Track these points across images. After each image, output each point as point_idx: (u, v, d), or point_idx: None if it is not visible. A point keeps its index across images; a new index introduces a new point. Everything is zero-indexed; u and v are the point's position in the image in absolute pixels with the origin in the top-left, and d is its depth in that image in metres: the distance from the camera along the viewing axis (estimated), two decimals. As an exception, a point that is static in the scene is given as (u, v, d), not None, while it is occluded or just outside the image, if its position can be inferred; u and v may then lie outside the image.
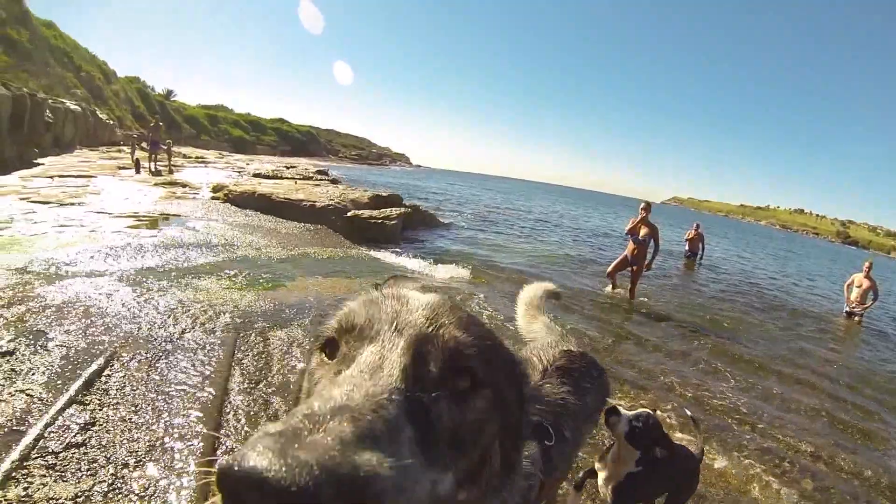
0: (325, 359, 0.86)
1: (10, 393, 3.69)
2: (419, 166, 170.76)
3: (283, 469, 0.46)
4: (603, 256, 15.33)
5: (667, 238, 22.79)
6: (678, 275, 16.73)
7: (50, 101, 24.54)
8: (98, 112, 35.98)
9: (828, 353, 9.54)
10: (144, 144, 25.05)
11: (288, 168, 31.98)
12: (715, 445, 4.76)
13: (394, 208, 15.81)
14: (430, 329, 0.82)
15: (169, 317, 5.61)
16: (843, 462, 5.09)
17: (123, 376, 4.18)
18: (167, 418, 3.71)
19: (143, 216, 11.37)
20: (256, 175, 24.02)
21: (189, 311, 5.88)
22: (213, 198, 16.22)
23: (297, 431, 0.52)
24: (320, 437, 0.52)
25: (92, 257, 7.44)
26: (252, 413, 3.95)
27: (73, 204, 11.64)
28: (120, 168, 21.11)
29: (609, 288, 11.14)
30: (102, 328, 5.03)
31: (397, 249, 12.54)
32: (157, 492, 2.98)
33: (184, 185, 18.38)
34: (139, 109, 54.95)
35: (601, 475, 2.98)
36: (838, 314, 13.95)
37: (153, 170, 21.58)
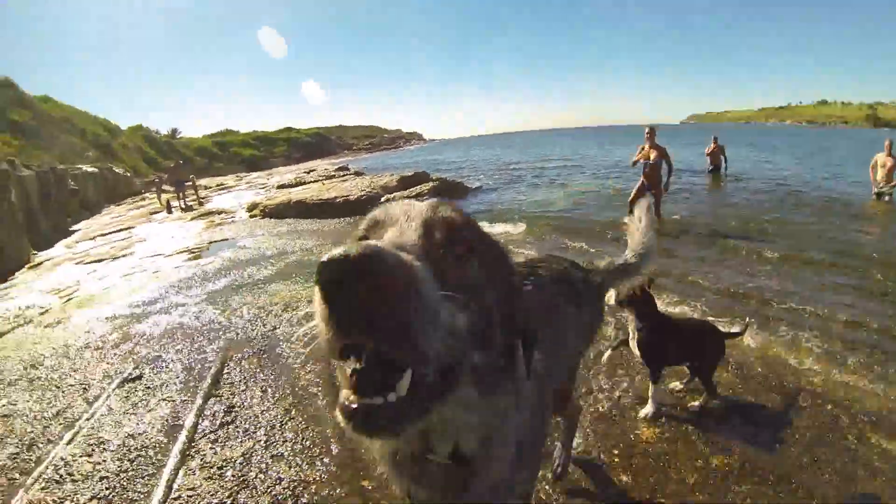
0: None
1: (154, 403, 4.49)
2: (433, 140, 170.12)
3: (354, 251, 0.76)
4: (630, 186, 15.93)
5: (688, 157, 23.08)
6: (704, 190, 17.17)
7: (68, 169, 25.78)
8: (113, 167, 37.27)
9: (858, 236, 9.77)
10: (165, 186, 26.21)
11: (308, 173, 32.85)
12: (755, 327, 5.21)
13: (423, 185, 16.88)
14: (434, 214, 1.10)
15: (256, 320, 6.42)
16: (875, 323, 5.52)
17: (240, 370, 5.01)
18: (289, 389, 4.49)
19: (194, 248, 12.28)
20: (281, 187, 25.02)
21: (271, 312, 6.68)
22: (251, 216, 17.18)
23: (353, 243, 0.81)
24: (373, 244, 0.80)
25: (167, 293, 8.30)
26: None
27: (125, 255, 12.61)
28: (151, 214, 22.27)
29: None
30: (205, 342, 5.85)
31: None
32: (304, 438, 3.74)
33: (219, 212, 19.36)
34: (150, 154, 56.58)
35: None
36: (867, 198, 13.89)
37: (184, 207, 22.68)
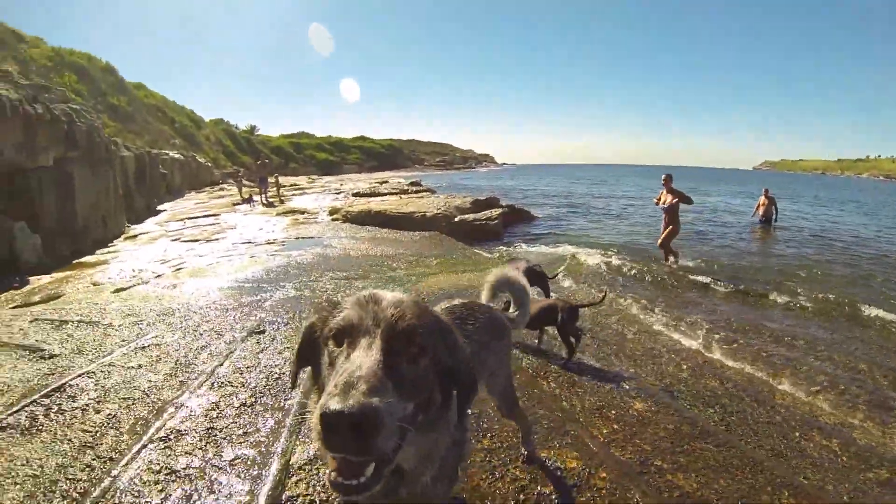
0: (335, 345, 1.50)
1: (280, 348, 5.84)
2: (504, 164, 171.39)
3: (342, 407, 1.13)
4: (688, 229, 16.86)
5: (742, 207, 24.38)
6: (743, 238, 18.66)
7: (160, 154, 28.45)
8: (197, 156, 40.12)
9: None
10: (246, 181, 28.48)
11: (381, 183, 34.64)
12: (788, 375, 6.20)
13: (493, 209, 19.03)
14: (395, 320, 1.46)
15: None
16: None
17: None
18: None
19: (283, 241, 14.05)
20: (357, 195, 26.94)
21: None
22: (333, 219, 19.22)
23: (344, 390, 1.18)
24: (353, 393, 1.18)
25: (266, 275, 9.83)
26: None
27: (217, 239, 14.45)
28: (235, 204, 24.62)
29: (664, 259, 13.20)
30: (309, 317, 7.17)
31: (502, 243, 15.93)
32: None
33: (302, 212, 21.41)
34: (229, 148, 60.44)
35: None
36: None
37: (265, 202, 24.75)
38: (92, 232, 14.93)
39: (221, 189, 35.65)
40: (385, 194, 26.20)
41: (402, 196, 24.62)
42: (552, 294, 7.53)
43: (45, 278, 10.29)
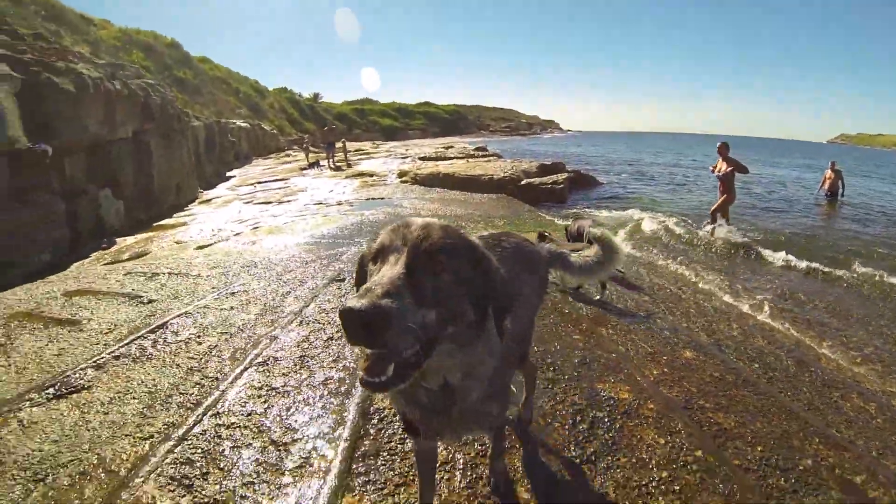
0: (372, 265, 1.69)
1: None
2: (569, 131, 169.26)
3: (352, 305, 1.30)
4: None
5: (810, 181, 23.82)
6: (813, 214, 18.08)
7: (227, 123, 29.58)
8: (262, 125, 41.27)
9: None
10: (312, 147, 29.33)
11: (447, 148, 34.73)
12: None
13: (559, 174, 19.21)
14: (420, 240, 1.61)
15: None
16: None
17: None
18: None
19: (355, 201, 14.52)
20: (423, 159, 27.35)
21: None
22: (402, 181, 19.65)
23: (362, 294, 1.35)
24: (368, 295, 1.34)
25: (341, 232, 10.29)
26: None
27: (290, 201, 15.06)
28: (302, 169, 25.34)
29: (709, 226, 12.87)
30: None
31: (567, 207, 16.30)
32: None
33: (371, 175, 21.93)
34: (293, 115, 61.77)
35: None
36: None
37: (332, 167, 25.39)
38: (168, 197, 16.05)
39: (287, 155, 36.85)
40: (451, 158, 26.55)
41: (469, 160, 24.97)
42: None
43: (130, 239, 11.05)
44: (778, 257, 10.36)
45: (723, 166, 12.57)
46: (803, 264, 9.96)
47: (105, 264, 8.81)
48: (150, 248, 9.74)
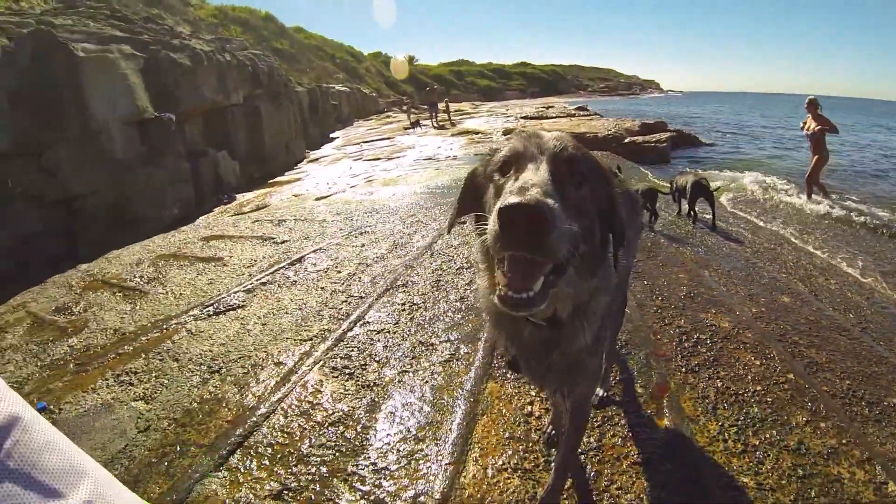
0: (500, 175, 1.55)
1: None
2: (669, 91, 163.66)
3: (520, 200, 1.20)
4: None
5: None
6: None
7: (328, 88, 30.64)
8: (361, 88, 42.34)
9: None
10: (413, 109, 30.02)
11: (547, 108, 34.54)
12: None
13: (661, 133, 19.20)
14: (558, 150, 1.51)
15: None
16: None
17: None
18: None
19: (464, 157, 14.85)
20: (525, 118, 27.31)
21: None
22: (507, 139, 19.26)
23: (519, 191, 1.26)
24: (529, 192, 1.25)
25: (457, 183, 10.30)
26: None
27: (398, 157, 15.57)
28: (406, 128, 25.75)
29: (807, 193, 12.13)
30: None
31: (669, 165, 16.49)
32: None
33: (475, 132, 22.12)
34: (390, 79, 62.12)
35: None
36: None
37: (435, 126, 25.72)
38: (278, 157, 17.16)
39: (388, 116, 37.75)
40: (553, 118, 26.40)
41: (572, 119, 24.83)
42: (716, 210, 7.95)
43: (248, 195, 11.84)
44: (880, 222, 9.96)
45: (812, 124, 11.93)
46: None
47: (231, 216, 9.54)
48: (270, 202, 10.43)
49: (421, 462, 2.62)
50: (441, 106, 28.56)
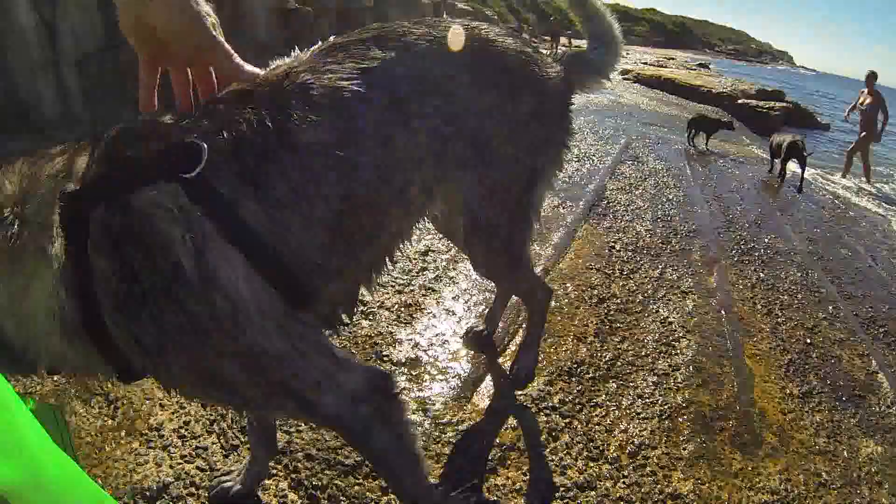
0: None
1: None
2: (802, 67, 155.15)
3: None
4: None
5: None
6: None
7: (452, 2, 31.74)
8: (484, 10, 42.92)
9: None
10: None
11: (669, 59, 34.45)
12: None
13: (776, 102, 18.41)
14: None
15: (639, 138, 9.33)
16: None
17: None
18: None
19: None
20: (644, 63, 27.76)
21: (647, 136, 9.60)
22: (623, 79, 20.59)
23: None
24: None
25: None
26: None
27: None
28: None
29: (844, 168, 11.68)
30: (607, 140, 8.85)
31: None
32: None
33: None
34: (512, 5, 62.13)
35: None
36: None
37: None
38: None
39: (509, 42, 37.77)
40: (674, 68, 26.88)
41: (692, 71, 25.17)
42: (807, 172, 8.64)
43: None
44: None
45: (866, 99, 11.33)
46: None
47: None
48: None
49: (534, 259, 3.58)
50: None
